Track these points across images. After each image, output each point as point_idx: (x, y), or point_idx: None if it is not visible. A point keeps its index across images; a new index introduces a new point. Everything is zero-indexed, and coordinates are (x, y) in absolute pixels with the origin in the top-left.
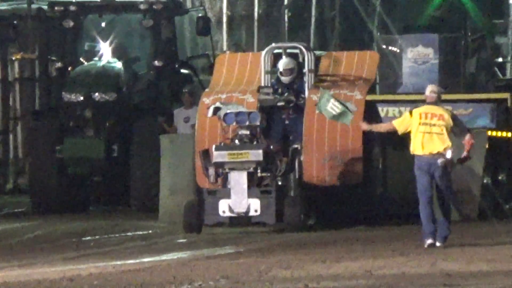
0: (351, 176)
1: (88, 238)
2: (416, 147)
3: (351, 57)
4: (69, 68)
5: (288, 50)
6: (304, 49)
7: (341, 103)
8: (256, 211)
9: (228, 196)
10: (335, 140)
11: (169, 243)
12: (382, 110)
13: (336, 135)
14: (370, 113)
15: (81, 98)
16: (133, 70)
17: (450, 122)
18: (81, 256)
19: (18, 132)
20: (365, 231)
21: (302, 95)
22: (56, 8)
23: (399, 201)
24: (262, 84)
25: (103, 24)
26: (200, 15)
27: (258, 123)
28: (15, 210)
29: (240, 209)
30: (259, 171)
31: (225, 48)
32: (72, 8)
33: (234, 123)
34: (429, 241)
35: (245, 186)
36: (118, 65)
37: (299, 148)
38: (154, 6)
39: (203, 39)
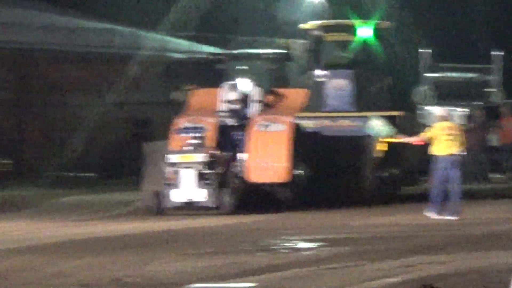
0: (279, 175)
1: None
2: (439, 150)
3: (289, 92)
4: None
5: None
6: (252, 84)
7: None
8: (202, 197)
9: (179, 187)
10: (267, 149)
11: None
12: (313, 124)
13: (267, 145)
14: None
15: None
16: None
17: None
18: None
19: None
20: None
21: (248, 119)
22: (213, 57)
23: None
24: (219, 110)
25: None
26: None
27: (203, 135)
28: None
29: (188, 196)
30: (205, 169)
31: None
32: (223, 57)
33: (185, 134)
34: (435, 215)
35: (192, 179)
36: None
37: (242, 155)
38: (275, 56)
39: None
